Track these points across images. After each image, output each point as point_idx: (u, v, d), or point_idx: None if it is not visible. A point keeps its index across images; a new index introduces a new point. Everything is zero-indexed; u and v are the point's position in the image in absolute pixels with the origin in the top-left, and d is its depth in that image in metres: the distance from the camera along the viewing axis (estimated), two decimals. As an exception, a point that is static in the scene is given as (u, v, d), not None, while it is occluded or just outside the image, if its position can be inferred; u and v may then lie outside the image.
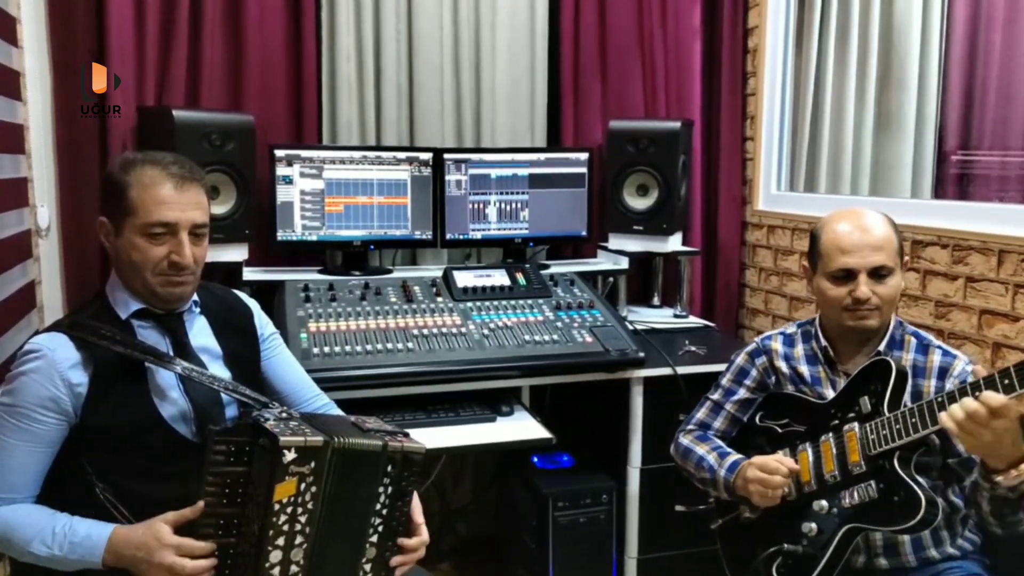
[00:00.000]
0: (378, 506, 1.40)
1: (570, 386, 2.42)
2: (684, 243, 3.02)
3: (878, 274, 1.69)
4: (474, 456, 2.98)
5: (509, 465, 2.63)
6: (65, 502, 1.42)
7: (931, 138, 2.87)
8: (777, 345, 1.90)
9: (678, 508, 2.40)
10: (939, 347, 1.75)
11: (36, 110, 2.22)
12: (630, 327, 2.54)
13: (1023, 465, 1.46)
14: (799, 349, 1.87)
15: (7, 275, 1.90)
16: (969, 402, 1.43)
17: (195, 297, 1.61)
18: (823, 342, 1.82)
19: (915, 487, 1.55)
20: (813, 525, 1.68)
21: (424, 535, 1.50)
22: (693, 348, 2.55)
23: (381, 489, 1.40)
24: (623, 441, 2.43)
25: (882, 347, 1.74)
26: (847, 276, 1.71)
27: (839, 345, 1.81)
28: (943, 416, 1.47)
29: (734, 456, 1.82)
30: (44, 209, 2.24)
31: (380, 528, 1.42)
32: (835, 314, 1.75)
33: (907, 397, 1.64)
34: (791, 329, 1.92)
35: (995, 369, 1.45)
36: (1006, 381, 1.42)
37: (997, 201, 2.57)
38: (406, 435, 1.46)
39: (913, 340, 1.77)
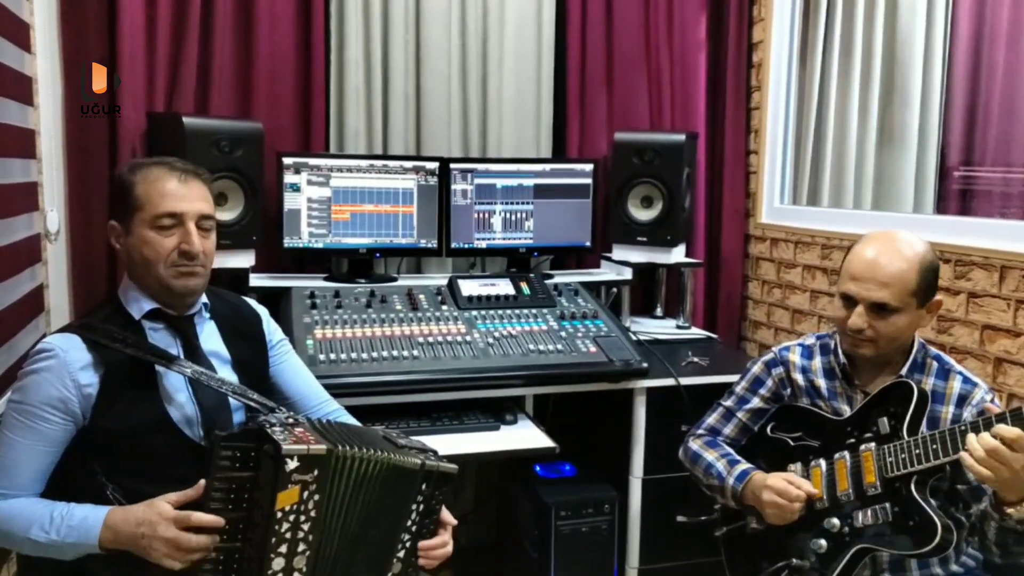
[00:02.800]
0: (409, 522, 1.42)
1: (573, 395, 2.43)
2: (687, 255, 3.04)
3: (880, 309, 1.65)
4: (476, 464, 2.98)
5: (511, 474, 2.64)
6: (76, 502, 1.42)
7: (934, 153, 2.89)
8: (795, 357, 1.88)
9: (680, 519, 2.40)
10: (960, 373, 1.72)
11: (47, 115, 2.23)
12: (633, 338, 2.55)
13: None
14: (817, 362, 1.85)
15: (16, 279, 1.90)
16: (988, 439, 1.43)
17: (205, 301, 1.62)
18: (842, 358, 1.79)
19: (932, 513, 1.54)
20: (823, 542, 1.67)
21: (444, 535, 1.52)
22: (696, 359, 2.56)
23: (414, 506, 1.42)
24: (625, 451, 2.44)
25: (904, 370, 1.71)
26: (850, 301, 1.69)
27: (859, 362, 1.77)
28: (963, 454, 1.47)
29: (744, 465, 1.81)
30: (53, 213, 2.26)
31: (408, 544, 1.43)
32: (839, 332, 1.76)
33: (923, 423, 1.63)
34: (810, 340, 1.90)
35: (1007, 408, 1.47)
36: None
37: (999, 217, 2.58)
38: (436, 453, 1.47)
39: (935, 364, 1.74)
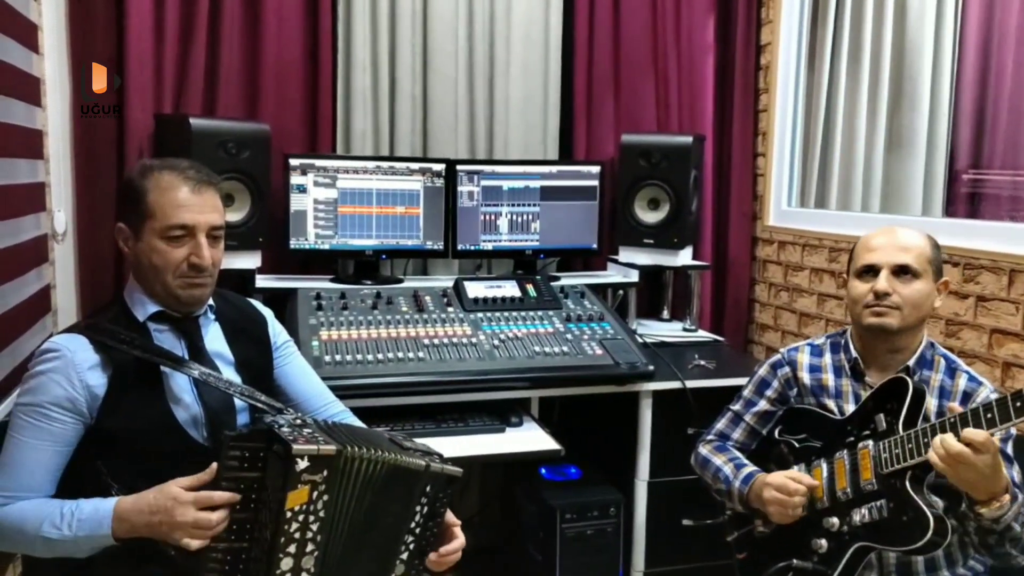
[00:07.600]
0: (412, 524, 1.42)
1: (579, 398, 2.43)
2: (694, 257, 3.03)
3: (902, 273, 1.69)
4: (481, 467, 2.97)
5: (516, 476, 2.63)
6: None
7: (942, 157, 2.86)
8: (803, 357, 1.89)
9: (685, 522, 2.40)
10: (966, 372, 1.74)
11: (55, 116, 2.23)
12: (640, 340, 2.54)
13: (1005, 496, 1.48)
14: (827, 359, 1.86)
15: (23, 279, 1.91)
16: (952, 442, 1.44)
17: (211, 303, 1.62)
18: (854, 354, 1.80)
19: (924, 507, 1.53)
20: (823, 542, 1.67)
21: (460, 538, 1.51)
22: (702, 362, 2.55)
23: (418, 508, 1.42)
24: (631, 454, 2.43)
25: (911, 363, 1.73)
26: (871, 272, 1.72)
27: (869, 359, 1.79)
28: (930, 452, 1.48)
29: (749, 468, 1.82)
30: (61, 214, 2.26)
31: (411, 546, 1.43)
32: (857, 313, 1.75)
33: (933, 419, 1.62)
34: (820, 340, 1.91)
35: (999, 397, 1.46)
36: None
37: (1008, 220, 2.57)
38: (441, 456, 1.47)
39: (943, 361, 1.75)
